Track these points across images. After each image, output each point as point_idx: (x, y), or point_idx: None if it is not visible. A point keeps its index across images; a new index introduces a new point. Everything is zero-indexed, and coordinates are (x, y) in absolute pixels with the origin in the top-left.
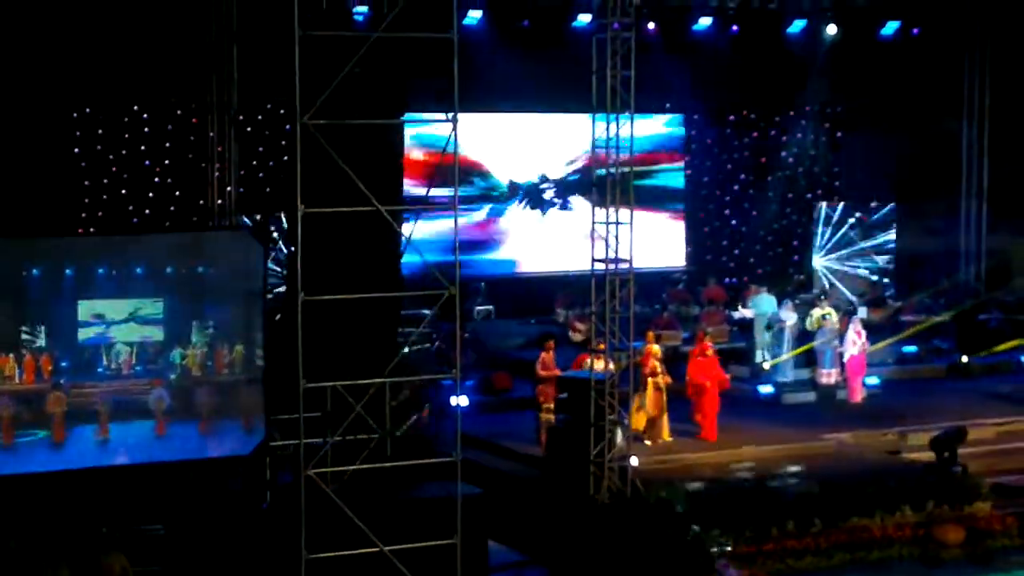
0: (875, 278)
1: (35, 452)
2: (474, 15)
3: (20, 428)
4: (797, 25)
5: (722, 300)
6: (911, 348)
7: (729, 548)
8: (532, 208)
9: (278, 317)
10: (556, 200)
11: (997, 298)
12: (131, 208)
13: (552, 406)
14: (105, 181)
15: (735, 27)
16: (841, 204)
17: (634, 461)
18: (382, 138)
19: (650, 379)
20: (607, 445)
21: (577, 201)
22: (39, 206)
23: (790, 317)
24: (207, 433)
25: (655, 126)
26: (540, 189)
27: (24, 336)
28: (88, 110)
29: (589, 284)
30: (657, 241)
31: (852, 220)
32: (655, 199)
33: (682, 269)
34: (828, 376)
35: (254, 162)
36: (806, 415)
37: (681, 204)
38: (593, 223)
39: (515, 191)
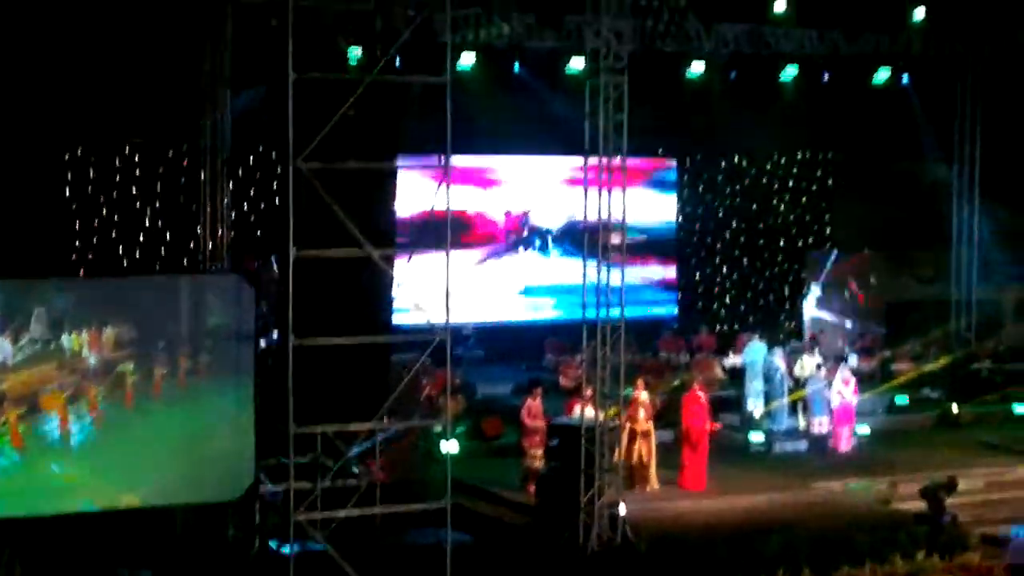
0: (865, 328)
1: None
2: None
3: None
4: (789, 73)
5: (711, 348)
6: (901, 397)
7: None
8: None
9: (269, 361)
10: (555, 246)
11: (988, 347)
12: (121, 250)
13: (539, 452)
14: (96, 223)
15: (730, 73)
16: (833, 252)
17: (622, 509)
18: (375, 181)
19: (628, 425)
20: (597, 492)
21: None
22: (29, 248)
23: (781, 365)
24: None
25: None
26: (536, 235)
27: None
28: (79, 152)
29: (580, 330)
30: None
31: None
32: (646, 246)
33: (674, 316)
34: (820, 425)
35: (245, 205)
36: (796, 464)
37: (672, 251)
38: (584, 269)
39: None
